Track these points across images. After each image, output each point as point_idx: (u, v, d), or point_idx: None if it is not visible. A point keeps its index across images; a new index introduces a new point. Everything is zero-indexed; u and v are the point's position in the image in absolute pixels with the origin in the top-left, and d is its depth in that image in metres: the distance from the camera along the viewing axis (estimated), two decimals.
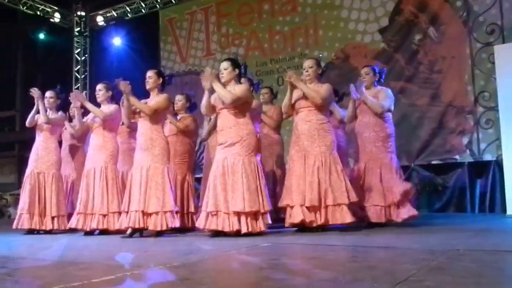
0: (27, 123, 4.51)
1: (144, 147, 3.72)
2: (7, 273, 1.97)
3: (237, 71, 3.57)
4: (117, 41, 9.06)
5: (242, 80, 3.78)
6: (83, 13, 9.41)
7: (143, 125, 3.78)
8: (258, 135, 3.62)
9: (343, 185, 3.37)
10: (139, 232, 3.66)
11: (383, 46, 6.54)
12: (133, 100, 3.72)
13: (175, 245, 2.93)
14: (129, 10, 8.88)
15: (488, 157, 5.65)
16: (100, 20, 9.27)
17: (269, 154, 4.39)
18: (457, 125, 5.86)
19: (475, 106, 5.78)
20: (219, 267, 2.05)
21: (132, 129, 4.22)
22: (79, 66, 9.43)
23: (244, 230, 3.16)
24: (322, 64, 6.76)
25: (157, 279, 1.75)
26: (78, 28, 9.47)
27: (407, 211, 3.67)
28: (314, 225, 3.36)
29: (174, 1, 8.43)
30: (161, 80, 3.89)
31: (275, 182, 4.38)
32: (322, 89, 3.55)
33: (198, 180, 4.91)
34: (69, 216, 4.33)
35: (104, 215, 3.98)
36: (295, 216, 3.38)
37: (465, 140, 5.80)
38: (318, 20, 7.10)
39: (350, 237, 3.05)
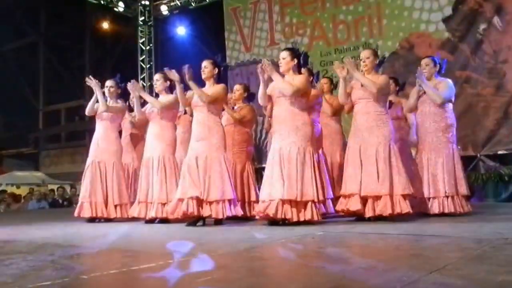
0: (86, 112, 4.79)
1: (201, 137, 3.98)
2: (52, 260, 2.23)
3: (295, 61, 3.80)
4: (181, 30, 10.08)
5: (302, 70, 3.99)
6: (147, 2, 10.48)
7: (200, 115, 4.06)
8: (315, 125, 3.94)
9: (399, 177, 3.65)
10: (202, 220, 3.95)
11: (447, 35, 7.12)
12: (193, 85, 3.94)
13: (230, 234, 3.24)
14: None
15: None
16: (164, 9, 10.27)
17: (329, 143, 4.67)
18: None
19: None
20: (262, 256, 2.30)
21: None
22: (144, 56, 10.56)
23: (295, 219, 3.48)
24: (386, 54, 7.54)
25: (197, 268, 1.99)
26: (142, 18, 10.56)
27: (469, 204, 4.09)
28: (371, 215, 3.66)
29: None
30: (216, 70, 4.13)
31: (335, 171, 4.63)
32: (379, 79, 3.83)
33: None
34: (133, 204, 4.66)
35: (163, 204, 4.22)
36: (352, 204, 3.71)
37: None
38: (382, 9, 7.74)
39: (405, 226, 3.32)
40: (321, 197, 3.63)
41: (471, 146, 6.67)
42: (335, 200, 4.15)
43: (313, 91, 4.16)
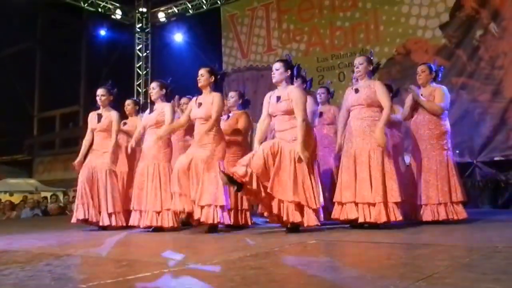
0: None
1: (200, 143, 4.07)
2: (50, 270, 2.28)
3: (289, 72, 3.88)
4: (178, 37, 10.23)
5: (295, 81, 4.08)
6: (144, 10, 10.64)
7: (201, 126, 4.13)
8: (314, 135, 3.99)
9: (393, 184, 3.68)
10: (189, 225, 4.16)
11: (444, 42, 7.26)
12: (203, 129, 4.05)
13: (224, 242, 3.32)
14: (190, 7, 10.00)
15: None
16: (161, 16, 10.44)
17: (328, 152, 4.79)
18: None
19: None
20: (256, 264, 2.34)
21: (188, 127, 4.59)
22: (140, 63, 10.71)
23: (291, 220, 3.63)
24: (384, 60, 7.68)
25: (192, 277, 2.03)
26: (140, 25, 10.72)
27: (463, 211, 4.10)
28: (363, 220, 3.71)
29: None
30: (213, 78, 4.17)
31: (334, 180, 4.76)
32: (385, 99, 3.85)
33: None
34: (127, 212, 4.78)
35: (158, 212, 4.28)
36: (348, 212, 3.77)
37: None
38: (379, 15, 7.89)
39: (398, 234, 3.38)
40: (312, 205, 3.69)
41: (468, 153, 6.78)
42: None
43: (309, 102, 4.19)
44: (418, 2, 7.52)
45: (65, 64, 15.37)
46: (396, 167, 4.06)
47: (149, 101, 4.95)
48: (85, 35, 12.94)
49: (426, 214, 4.06)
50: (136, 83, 10.52)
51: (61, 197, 12.06)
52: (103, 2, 10.19)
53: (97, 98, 4.96)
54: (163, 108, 4.54)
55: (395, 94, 4.93)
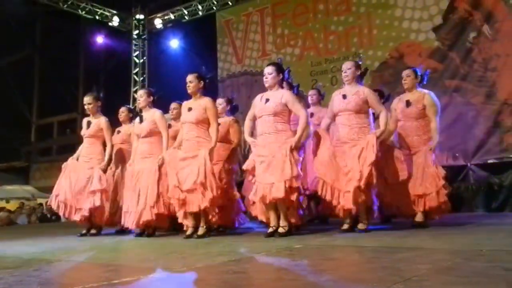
0: None
1: (189, 150, 4.15)
2: (38, 275, 2.39)
3: (281, 76, 3.99)
4: (174, 43, 10.31)
5: (283, 84, 4.17)
6: (141, 16, 10.72)
7: (189, 131, 4.20)
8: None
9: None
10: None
11: (437, 44, 7.29)
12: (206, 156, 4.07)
13: (212, 247, 3.40)
14: (186, 13, 10.09)
15: None
16: (158, 23, 10.52)
17: None
18: None
19: None
20: (239, 269, 2.42)
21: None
22: (137, 69, 10.79)
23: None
24: (376, 64, 7.74)
25: (175, 281, 2.15)
26: (137, 31, 10.80)
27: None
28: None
29: (230, 3, 9.52)
30: (202, 83, 4.25)
31: None
32: (379, 106, 4.02)
33: None
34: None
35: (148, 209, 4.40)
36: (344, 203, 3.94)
37: None
38: (372, 19, 7.93)
39: (385, 238, 3.46)
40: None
41: (461, 156, 6.79)
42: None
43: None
44: (411, 5, 7.56)
45: (63, 71, 15.48)
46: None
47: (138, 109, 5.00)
48: (83, 43, 13.05)
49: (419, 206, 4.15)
50: (132, 89, 10.58)
51: None
52: (100, 9, 10.29)
53: (85, 106, 5.06)
54: (152, 116, 4.61)
55: (386, 99, 5.01)
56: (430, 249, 2.88)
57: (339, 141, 4.01)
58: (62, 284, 2.19)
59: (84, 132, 5.10)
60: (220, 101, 4.85)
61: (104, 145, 5.09)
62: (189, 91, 4.27)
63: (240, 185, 5.06)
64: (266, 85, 4.00)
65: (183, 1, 9.94)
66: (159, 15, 10.49)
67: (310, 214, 5.03)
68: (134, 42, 10.82)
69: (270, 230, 3.93)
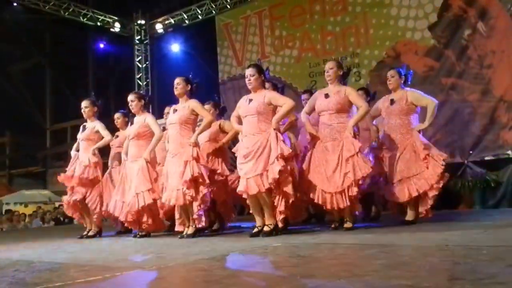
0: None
1: (174, 152, 4.28)
2: (14, 275, 2.56)
3: (262, 77, 4.07)
4: (176, 47, 10.47)
5: (267, 85, 4.25)
6: (142, 22, 10.92)
7: (174, 132, 4.33)
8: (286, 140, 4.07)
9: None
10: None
11: (433, 42, 7.26)
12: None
13: (195, 247, 3.49)
14: (186, 17, 10.23)
15: None
16: (159, 27, 10.70)
17: None
18: (509, 119, 6.48)
19: None
20: (206, 267, 2.51)
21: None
22: (141, 74, 10.97)
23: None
24: (373, 63, 7.75)
25: (138, 279, 2.26)
26: (139, 37, 10.98)
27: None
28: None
29: (229, 6, 9.64)
30: (189, 86, 4.38)
31: None
32: (360, 100, 4.06)
33: None
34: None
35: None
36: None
37: None
38: (369, 19, 7.93)
39: (366, 235, 3.56)
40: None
41: (458, 153, 6.75)
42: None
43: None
44: (406, 3, 7.54)
45: (73, 78, 15.85)
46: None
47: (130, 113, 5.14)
48: (91, 49, 13.35)
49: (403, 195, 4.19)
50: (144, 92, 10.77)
51: None
52: (101, 16, 10.48)
53: (82, 110, 5.21)
54: (144, 120, 4.74)
55: (372, 97, 5.07)
56: (399, 246, 2.94)
57: (321, 142, 4.07)
58: (30, 283, 2.29)
59: (79, 136, 5.26)
60: (207, 107, 4.89)
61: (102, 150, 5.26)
62: (176, 93, 4.40)
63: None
64: (250, 87, 4.07)
65: (183, 5, 10.08)
66: (159, 20, 10.64)
67: (307, 213, 5.12)
68: (136, 47, 10.99)
69: (255, 230, 4.00)
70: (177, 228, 4.45)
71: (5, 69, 16.54)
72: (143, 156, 4.61)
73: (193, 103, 4.36)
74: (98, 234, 5.25)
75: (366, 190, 4.28)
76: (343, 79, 4.22)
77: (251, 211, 4.12)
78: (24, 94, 17.33)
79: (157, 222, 4.76)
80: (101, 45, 11.13)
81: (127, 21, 10.90)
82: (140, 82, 10.94)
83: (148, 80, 10.96)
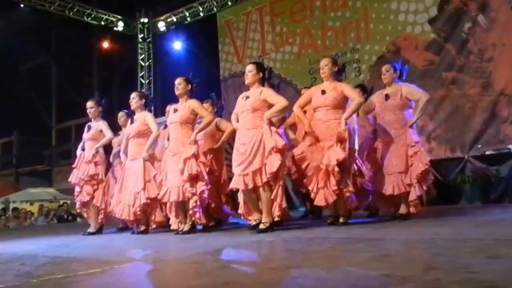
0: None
1: (175, 151, 4.36)
2: (19, 269, 2.67)
3: (261, 74, 4.11)
4: (178, 45, 10.58)
5: (265, 84, 4.28)
6: (145, 20, 11.04)
7: (174, 131, 4.43)
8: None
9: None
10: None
11: (433, 36, 7.28)
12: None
13: (193, 242, 3.59)
14: (187, 15, 10.33)
15: None
16: (161, 25, 10.81)
17: None
18: (510, 114, 6.48)
19: None
20: (194, 260, 2.63)
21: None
22: (143, 72, 11.10)
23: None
24: (374, 58, 7.80)
25: (124, 273, 2.38)
26: (142, 35, 11.11)
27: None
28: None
29: (230, 3, 9.71)
30: (189, 86, 4.48)
31: None
32: (353, 93, 4.10)
33: None
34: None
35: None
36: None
37: None
38: (369, 13, 7.97)
39: (358, 230, 3.64)
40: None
41: (459, 148, 6.78)
42: None
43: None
44: None
45: (78, 77, 16.05)
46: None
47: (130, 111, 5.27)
48: (95, 48, 13.50)
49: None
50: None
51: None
52: (105, 15, 10.61)
53: (87, 110, 5.33)
54: (144, 118, 4.86)
55: (369, 93, 5.08)
56: (387, 239, 3.01)
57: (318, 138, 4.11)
58: (33, 275, 2.40)
59: (84, 135, 5.39)
60: (206, 105, 4.97)
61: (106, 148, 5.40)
62: (177, 93, 4.50)
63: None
64: (246, 82, 4.15)
65: (185, 3, 10.18)
66: (162, 18, 10.74)
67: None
68: (139, 45, 11.11)
69: (254, 223, 4.07)
70: (173, 227, 4.55)
71: (13, 69, 16.78)
72: (142, 155, 4.73)
73: (193, 103, 4.46)
74: (99, 230, 5.39)
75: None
76: (338, 76, 4.28)
77: (239, 210, 4.20)
78: (30, 93, 17.57)
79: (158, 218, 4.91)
80: (106, 44, 11.25)
81: (130, 19, 11.00)
82: (142, 80, 11.06)
83: (150, 78, 11.08)
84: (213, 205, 4.81)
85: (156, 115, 8.89)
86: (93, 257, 3.16)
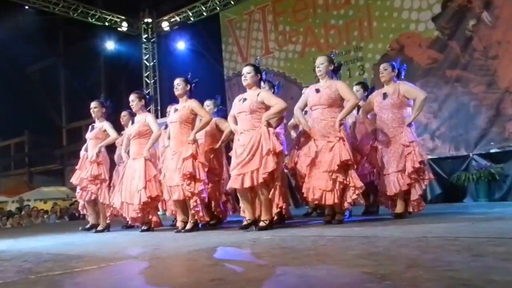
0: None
1: (175, 150, 4.45)
2: (21, 265, 2.76)
3: (259, 76, 4.15)
4: (181, 45, 10.65)
5: (263, 84, 4.35)
6: (149, 20, 11.12)
7: (174, 130, 4.51)
8: (280, 136, 4.19)
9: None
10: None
11: (437, 34, 7.23)
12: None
13: (192, 240, 3.64)
14: (191, 14, 10.36)
15: None
16: (165, 25, 10.86)
17: None
18: None
19: None
20: (187, 258, 2.70)
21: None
22: (148, 72, 11.16)
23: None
24: (377, 57, 7.78)
25: (117, 270, 2.43)
26: (146, 35, 11.15)
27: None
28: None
29: (232, 2, 9.74)
30: (189, 86, 4.55)
31: None
32: (349, 93, 4.10)
33: None
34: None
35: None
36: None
37: None
38: (372, 11, 7.94)
39: (354, 228, 3.64)
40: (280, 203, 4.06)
41: (464, 146, 6.74)
42: None
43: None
44: None
45: (86, 77, 16.26)
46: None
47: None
48: (102, 49, 13.66)
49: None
50: (145, 92, 10.97)
51: None
52: (109, 16, 10.68)
53: (91, 110, 5.44)
54: (145, 119, 4.94)
55: (370, 92, 5.05)
56: (380, 237, 3.00)
57: (314, 137, 4.13)
58: (33, 272, 2.47)
59: (88, 135, 5.50)
60: (208, 103, 5.06)
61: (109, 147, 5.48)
62: (176, 93, 4.56)
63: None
64: (245, 83, 4.17)
65: (188, 3, 10.25)
66: (165, 18, 10.78)
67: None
68: (144, 45, 11.17)
69: (245, 222, 4.09)
70: (178, 224, 4.64)
71: (23, 70, 17.07)
72: (143, 155, 4.80)
73: (193, 103, 4.52)
74: (107, 228, 5.45)
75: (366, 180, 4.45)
76: (334, 74, 4.28)
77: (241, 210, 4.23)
78: (41, 94, 17.85)
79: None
80: (110, 44, 11.36)
81: (134, 20, 11.08)
82: (148, 80, 11.15)
83: (155, 78, 11.16)
84: (213, 203, 4.87)
85: (162, 115, 9.01)
86: (93, 254, 3.23)
